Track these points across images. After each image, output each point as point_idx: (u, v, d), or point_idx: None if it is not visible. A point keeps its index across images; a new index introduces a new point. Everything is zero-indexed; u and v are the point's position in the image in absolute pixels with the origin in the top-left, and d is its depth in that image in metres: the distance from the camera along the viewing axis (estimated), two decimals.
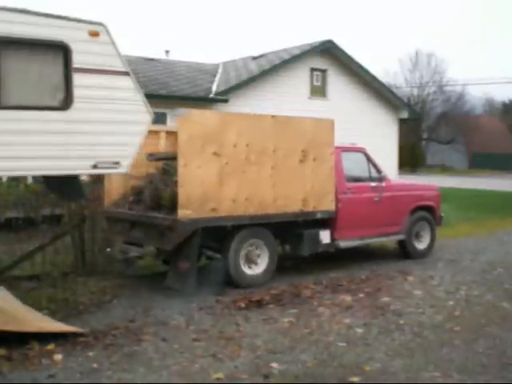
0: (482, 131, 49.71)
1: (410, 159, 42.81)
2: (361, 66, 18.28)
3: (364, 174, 8.75)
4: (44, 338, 4.89)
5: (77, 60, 5.39)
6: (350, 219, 8.22)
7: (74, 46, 5.38)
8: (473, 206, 17.18)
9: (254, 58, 19.05)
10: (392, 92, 20.85)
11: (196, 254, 6.86)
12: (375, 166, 8.90)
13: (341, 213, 8.10)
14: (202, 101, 15.04)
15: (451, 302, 6.52)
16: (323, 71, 17.88)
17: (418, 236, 9.33)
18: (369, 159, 8.85)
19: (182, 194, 6.50)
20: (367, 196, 8.59)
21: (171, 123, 14.46)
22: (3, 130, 5.13)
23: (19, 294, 5.99)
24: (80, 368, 4.48)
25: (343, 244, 8.26)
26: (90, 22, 5.55)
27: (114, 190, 7.83)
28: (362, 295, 6.83)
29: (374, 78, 18.99)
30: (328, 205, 7.90)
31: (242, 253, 7.21)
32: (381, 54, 60.64)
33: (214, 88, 15.72)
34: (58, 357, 4.65)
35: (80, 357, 4.70)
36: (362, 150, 8.91)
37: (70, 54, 5.36)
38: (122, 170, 5.88)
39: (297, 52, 17.37)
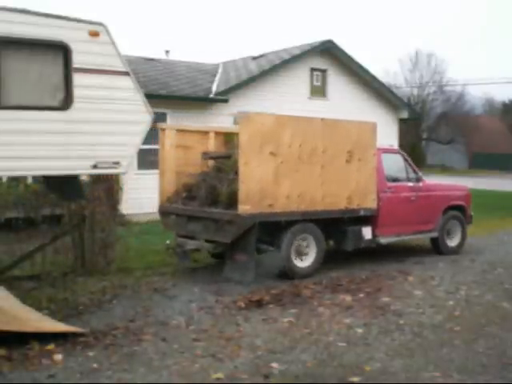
0: (482, 131, 49.68)
1: (411, 159, 42.73)
2: (361, 66, 18.27)
3: (402, 174, 9.31)
4: (44, 338, 4.89)
5: (77, 60, 5.40)
6: (389, 217, 8.72)
7: (74, 46, 5.38)
8: (473, 206, 17.14)
9: (254, 58, 19.03)
10: (392, 92, 20.84)
11: (254, 247, 7.28)
12: (412, 167, 9.49)
13: (381, 211, 8.61)
14: (202, 101, 15.03)
15: (451, 302, 6.52)
16: (323, 71, 17.87)
17: (449, 234, 9.78)
18: (406, 160, 9.42)
19: (243, 190, 7.04)
20: (405, 195, 9.11)
21: (171, 123, 14.47)
22: (3, 130, 5.13)
23: (19, 294, 5.99)
24: (80, 368, 4.48)
25: (383, 240, 8.76)
26: (90, 22, 5.55)
27: (166, 187, 8.52)
28: (362, 295, 6.83)
29: (374, 78, 18.97)
30: (370, 203, 8.42)
31: (294, 246, 7.67)
32: (381, 54, 60.66)
33: (214, 88, 15.70)
34: (58, 357, 4.65)
35: (80, 357, 4.70)
36: (400, 152, 9.58)
37: (70, 54, 5.36)
38: (122, 169, 5.88)
39: (297, 52, 17.35)
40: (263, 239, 7.56)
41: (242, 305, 6.36)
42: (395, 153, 9.53)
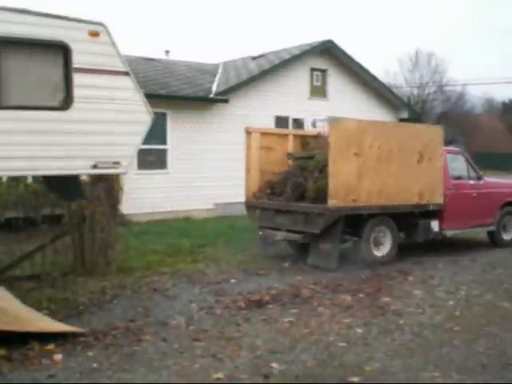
0: (482, 131, 49.68)
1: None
2: (361, 66, 18.27)
3: (464, 173, 10.16)
4: (44, 338, 4.89)
5: (77, 60, 5.40)
6: (454, 211, 9.57)
7: (74, 46, 5.38)
8: None
9: (254, 58, 19.03)
10: (392, 92, 20.83)
11: (339, 237, 8.20)
12: (473, 166, 10.28)
13: (447, 206, 9.47)
14: (202, 101, 15.02)
15: (451, 302, 6.52)
16: (323, 71, 17.87)
17: (504, 228, 10.64)
18: (467, 160, 10.27)
19: (332, 186, 7.93)
20: (467, 192, 9.97)
21: (171, 123, 14.47)
22: (3, 130, 5.13)
23: (19, 294, 5.99)
24: (80, 368, 4.48)
25: (449, 233, 9.73)
26: (90, 22, 5.55)
27: (252, 184, 9.58)
28: (361, 295, 6.82)
29: (374, 78, 18.97)
30: (438, 198, 9.35)
31: (372, 237, 8.60)
32: (381, 54, 60.60)
33: (214, 88, 15.70)
34: (58, 357, 4.65)
35: (80, 357, 4.70)
36: (462, 153, 10.43)
37: (70, 54, 5.36)
38: (122, 169, 5.88)
39: (297, 52, 17.34)
40: (345, 230, 8.40)
41: (242, 305, 6.36)
42: (458, 153, 10.32)
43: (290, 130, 11.50)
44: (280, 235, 8.66)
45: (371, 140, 8.36)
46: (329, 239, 8.12)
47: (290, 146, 9.88)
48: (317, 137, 10.12)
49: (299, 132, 10.51)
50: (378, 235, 8.71)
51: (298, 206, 8.46)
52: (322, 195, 8.09)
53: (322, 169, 8.49)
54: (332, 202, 7.90)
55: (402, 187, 8.76)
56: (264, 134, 9.80)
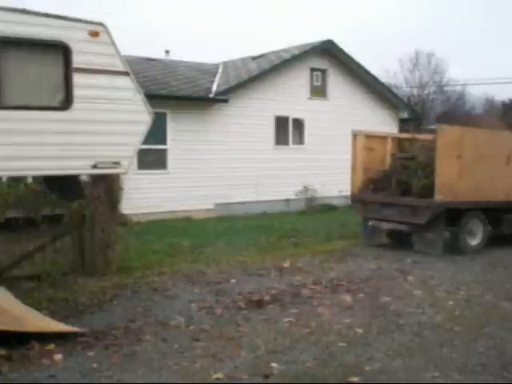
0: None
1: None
2: (361, 66, 18.27)
3: None
4: (44, 338, 4.88)
5: (77, 60, 5.40)
6: None
7: (74, 46, 5.38)
8: None
9: (254, 58, 19.03)
10: (392, 92, 20.83)
11: (442, 228, 9.50)
12: None
13: None
14: (202, 101, 15.03)
15: (451, 302, 6.52)
16: (323, 71, 17.87)
17: None
18: None
19: (438, 183, 9.23)
20: None
21: (171, 123, 14.47)
22: (3, 130, 5.13)
23: (19, 294, 5.99)
24: (80, 368, 4.48)
25: None
26: (90, 22, 5.56)
27: (357, 181, 10.83)
28: (361, 295, 6.82)
29: (374, 77, 18.97)
30: None
31: (467, 228, 9.87)
32: (381, 54, 60.50)
33: (214, 88, 15.70)
34: (58, 357, 4.65)
35: (80, 357, 4.70)
36: None
37: (70, 54, 5.36)
38: (122, 169, 5.88)
39: (297, 52, 17.35)
40: (445, 222, 9.56)
41: (242, 305, 6.36)
42: None
43: (389, 132, 13.12)
44: (387, 225, 10.16)
45: (469, 145, 9.60)
46: (433, 229, 9.42)
47: (389, 147, 11.15)
48: (411, 139, 11.61)
49: (396, 135, 12.17)
50: (472, 227, 9.95)
51: (406, 200, 9.75)
52: (427, 191, 9.42)
53: (425, 168, 9.87)
54: (438, 197, 9.22)
55: (492, 186, 9.97)
56: (367, 136, 11.01)
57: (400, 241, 10.41)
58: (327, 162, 17.60)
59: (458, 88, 49.91)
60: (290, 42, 35.65)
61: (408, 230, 9.75)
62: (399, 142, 11.44)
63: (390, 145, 11.18)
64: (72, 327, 5.21)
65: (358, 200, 10.80)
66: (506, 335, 5.35)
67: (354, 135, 10.91)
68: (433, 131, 11.83)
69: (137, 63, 15.89)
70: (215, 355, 4.77)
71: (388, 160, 11.04)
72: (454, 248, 9.66)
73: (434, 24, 70.75)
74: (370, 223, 10.38)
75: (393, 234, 10.64)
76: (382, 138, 11.37)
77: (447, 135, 9.43)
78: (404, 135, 12.17)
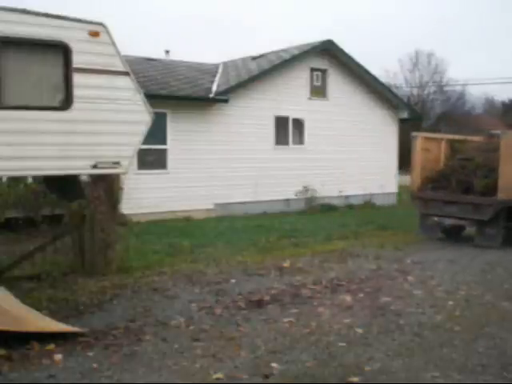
0: (482, 131, 49.63)
1: (411, 159, 42.69)
2: (361, 66, 18.26)
3: None
4: (44, 338, 4.89)
5: (77, 60, 5.40)
6: None
7: (74, 46, 5.38)
8: None
9: (254, 58, 19.02)
10: (392, 92, 20.82)
11: (502, 223, 10.35)
12: None
13: None
14: (202, 101, 15.02)
15: (451, 302, 6.52)
16: (323, 71, 17.87)
17: None
18: None
19: (501, 183, 10.09)
20: None
21: (171, 123, 14.47)
22: (3, 130, 5.13)
23: (19, 294, 5.99)
24: (80, 368, 4.48)
25: None
26: (90, 22, 5.55)
27: (416, 179, 11.68)
28: (362, 295, 6.83)
29: (374, 78, 18.97)
30: None
31: None
32: (381, 54, 60.50)
33: (214, 88, 15.70)
34: (58, 357, 4.64)
35: (80, 357, 4.70)
36: None
37: (70, 54, 5.36)
38: (122, 169, 5.88)
39: (297, 52, 17.34)
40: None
41: (242, 305, 6.36)
42: None
43: (443, 135, 13.81)
44: (450, 221, 11.13)
45: None
46: (494, 225, 10.29)
47: (443, 148, 12.06)
48: (463, 141, 12.47)
49: (449, 137, 12.77)
50: None
51: (468, 198, 10.52)
52: (488, 190, 10.27)
53: (483, 169, 10.79)
54: (500, 196, 10.08)
55: None
56: (425, 138, 11.99)
57: (454, 235, 11.52)
58: (327, 162, 17.61)
59: (458, 88, 49.99)
60: (290, 41, 35.66)
61: (470, 225, 10.92)
62: (451, 144, 12.29)
63: (443, 146, 12.09)
64: (72, 327, 5.21)
65: (419, 198, 11.63)
66: (506, 335, 5.35)
67: (415, 137, 11.82)
68: (492, 135, 12.67)
69: (137, 63, 15.90)
70: (215, 355, 4.77)
71: (442, 160, 11.96)
72: (510, 241, 10.41)
73: (434, 24, 70.79)
74: (436, 219, 11.28)
75: (449, 229, 11.54)
76: (437, 139, 12.35)
77: (510, 139, 10.22)
78: (456, 137, 12.99)
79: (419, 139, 11.76)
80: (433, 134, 13.33)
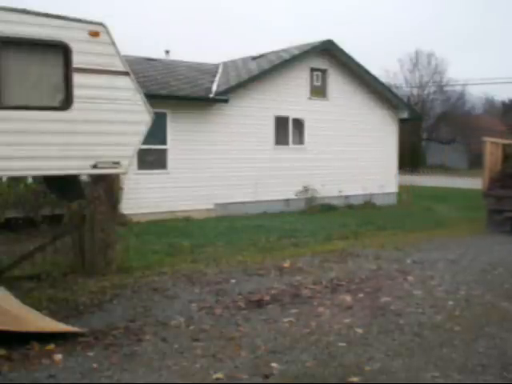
0: (482, 131, 49.64)
1: (411, 159, 42.81)
2: (361, 66, 18.25)
3: None
4: (44, 338, 4.89)
5: (77, 60, 5.40)
6: None
7: (74, 46, 5.38)
8: (475, 206, 17.16)
9: (254, 58, 19.02)
10: (392, 92, 20.82)
11: None
12: None
13: None
14: (202, 101, 15.02)
15: (451, 302, 6.52)
16: (323, 71, 17.86)
17: None
18: None
19: None
20: None
21: (171, 123, 14.47)
22: (3, 130, 5.13)
23: (19, 294, 5.99)
24: (80, 368, 4.48)
25: None
26: (90, 22, 5.55)
27: (486, 180, 12.92)
28: (361, 295, 6.83)
29: (374, 78, 18.96)
30: None
31: None
32: (381, 54, 60.52)
33: (214, 88, 15.69)
34: (58, 357, 4.64)
35: (80, 357, 4.70)
36: None
37: (70, 54, 5.36)
38: (122, 169, 5.88)
39: (297, 52, 17.33)
40: None
41: (242, 305, 6.36)
42: None
43: (499, 139, 14.80)
44: None
45: None
46: None
47: (500, 151, 13.50)
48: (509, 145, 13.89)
49: (504, 142, 14.21)
50: None
51: None
52: None
53: None
54: None
55: None
56: (491, 142, 13.37)
57: None
58: (327, 162, 17.60)
59: (458, 88, 49.98)
60: (290, 42, 35.67)
61: None
62: (504, 148, 13.69)
63: (500, 149, 13.53)
64: (72, 327, 5.21)
65: (491, 196, 12.78)
66: (506, 335, 5.35)
67: (485, 141, 13.25)
68: None
69: (137, 63, 15.90)
70: (215, 355, 4.77)
71: (499, 163, 13.39)
72: None
73: (434, 24, 70.75)
74: (507, 214, 12.32)
75: None
76: (497, 144, 13.71)
77: None
78: (507, 142, 14.44)
79: (488, 144, 13.17)
80: (494, 139, 14.57)
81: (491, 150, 13.24)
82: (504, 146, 13.87)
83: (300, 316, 5.94)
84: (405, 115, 20.12)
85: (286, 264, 8.61)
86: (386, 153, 19.48)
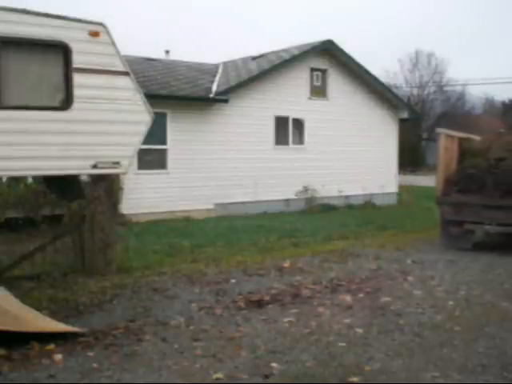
0: (482, 131, 49.65)
1: (411, 159, 42.79)
2: (361, 66, 18.26)
3: None
4: (44, 338, 4.88)
5: (77, 60, 5.39)
6: None
7: (74, 46, 5.38)
8: None
9: (254, 58, 19.02)
10: (392, 92, 20.82)
11: None
12: None
13: None
14: (202, 101, 15.02)
15: (451, 302, 6.52)
16: (323, 71, 17.86)
17: None
18: None
19: None
20: None
21: (171, 123, 14.46)
22: (3, 130, 5.13)
23: (19, 294, 5.99)
24: (80, 368, 4.48)
25: None
26: (90, 22, 5.55)
27: (440, 182, 10.43)
28: (361, 295, 6.82)
29: (374, 78, 18.96)
30: None
31: None
32: (381, 54, 60.56)
33: (214, 88, 15.69)
34: (58, 357, 4.64)
35: (80, 357, 4.70)
36: None
37: (70, 54, 5.36)
38: (122, 169, 5.87)
39: (297, 52, 17.33)
40: None
41: (242, 305, 6.36)
42: None
43: (456, 132, 11.95)
44: (493, 229, 9.84)
45: None
46: None
47: (455, 146, 10.92)
48: (471, 140, 11.45)
49: (460, 135, 11.51)
50: None
51: None
52: None
53: None
54: None
55: None
56: (446, 136, 10.77)
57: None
58: (327, 162, 17.60)
59: (458, 88, 49.98)
60: (290, 42, 35.67)
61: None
62: (460, 142, 11.16)
63: (456, 144, 10.95)
64: (72, 327, 5.21)
65: (446, 202, 10.26)
66: (506, 335, 5.35)
67: (439, 134, 10.80)
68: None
69: (137, 63, 15.89)
70: (215, 355, 4.77)
71: (455, 160, 10.81)
72: None
73: (434, 24, 70.82)
74: (469, 226, 9.98)
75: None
76: (453, 137, 11.07)
77: None
78: (464, 135, 11.79)
79: (442, 137, 10.65)
80: (451, 131, 11.80)
81: (446, 144, 10.65)
82: (460, 140, 11.24)
83: (300, 316, 5.94)
84: (405, 115, 20.13)
85: (286, 264, 8.61)
86: (386, 153, 19.48)
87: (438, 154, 10.65)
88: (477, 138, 11.87)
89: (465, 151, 10.97)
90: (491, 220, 9.71)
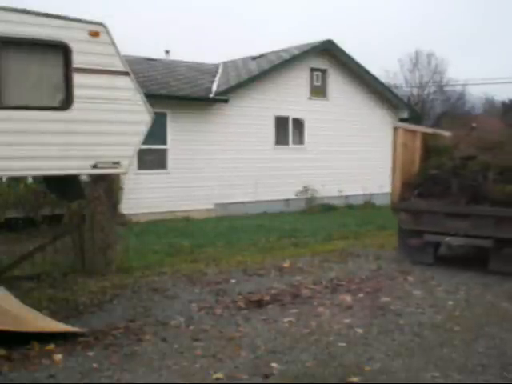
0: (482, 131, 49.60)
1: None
2: (361, 66, 18.27)
3: None
4: (44, 338, 4.88)
5: (77, 60, 5.39)
6: None
7: (74, 46, 5.38)
8: None
9: (254, 58, 19.02)
10: (392, 92, 20.83)
11: None
12: None
13: None
14: (202, 101, 15.03)
15: (451, 302, 6.52)
16: (323, 71, 17.87)
17: None
18: None
19: None
20: None
21: (171, 123, 14.47)
22: (3, 130, 5.13)
23: (19, 294, 5.99)
24: (80, 368, 4.48)
25: None
26: (90, 22, 5.55)
27: (397, 186, 8.88)
28: (361, 295, 6.82)
29: (374, 78, 18.97)
30: None
31: None
32: (381, 54, 60.53)
33: (214, 88, 15.70)
34: (58, 357, 4.64)
35: (80, 357, 4.70)
36: None
37: (70, 54, 5.35)
38: (122, 169, 5.87)
39: (297, 52, 17.35)
40: None
41: (242, 305, 6.36)
42: None
43: (418, 127, 10.77)
44: (460, 241, 8.29)
45: None
46: None
47: (418, 143, 9.38)
48: (439, 137, 9.84)
49: (424, 130, 10.10)
50: None
51: (489, 210, 7.95)
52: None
53: (497, 170, 8.26)
54: None
55: None
56: (405, 131, 9.21)
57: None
58: (327, 162, 17.61)
59: (458, 88, 49.91)
60: (290, 42, 35.68)
61: (488, 245, 7.96)
62: (425, 138, 9.59)
63: (419, 140, 9.40)
64: (72, 327, 5.21)
65: (404, 209, 8.79)
66: (506, 335, 5.35)
67: (396, 129, 9.12)
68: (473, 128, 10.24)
69: (137, 63, 15.89)
70: (215, 355, 4.77)
71: (417, 159, 9.33)
72: None
73: (434, 24, 70.85)
74: (426, 237, 8.51)
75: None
76: (414, 132, 9.44)
77: None
78: (430, 130, 10.32)
79: (400, 132, 8.96)
80: (411, 125, 10.34)
81: (405, 140, 8.98)
82: (425, 135, 9.66)
83: (300, 316, 5.94)
84: (405, 115, 20.13)
85: (286, 264, 8.61)
86: (386, 153, 19.41)
87: (394, 151, 9.00)
88: (446, 133, 10.29)
89: (430, 149, 9.43)
90: (455, 230, 8.19)
